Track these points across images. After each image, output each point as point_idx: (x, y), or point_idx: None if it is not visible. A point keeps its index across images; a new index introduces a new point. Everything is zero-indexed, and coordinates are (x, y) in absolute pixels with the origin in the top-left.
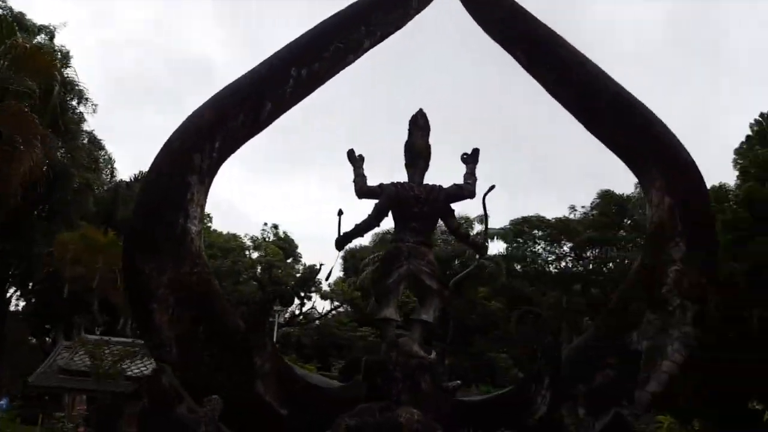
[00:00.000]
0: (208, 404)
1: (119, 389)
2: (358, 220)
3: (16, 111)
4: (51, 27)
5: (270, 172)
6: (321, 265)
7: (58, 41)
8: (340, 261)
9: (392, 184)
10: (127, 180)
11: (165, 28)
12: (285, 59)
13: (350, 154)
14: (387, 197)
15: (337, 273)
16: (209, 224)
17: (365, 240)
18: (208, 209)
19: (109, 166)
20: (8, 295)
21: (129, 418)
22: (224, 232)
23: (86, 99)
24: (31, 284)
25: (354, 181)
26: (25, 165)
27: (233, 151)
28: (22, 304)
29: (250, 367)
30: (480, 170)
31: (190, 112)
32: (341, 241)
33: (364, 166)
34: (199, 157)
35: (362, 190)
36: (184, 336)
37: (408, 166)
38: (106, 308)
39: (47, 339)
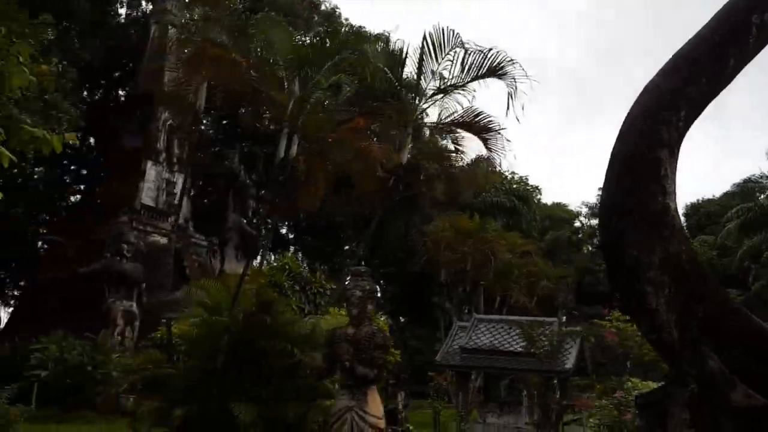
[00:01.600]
0: None
1: (557, 368)
2: None
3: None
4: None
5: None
6: None
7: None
8: None
9: None
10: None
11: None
12: (743, 6)
13: None
14: None
15: None
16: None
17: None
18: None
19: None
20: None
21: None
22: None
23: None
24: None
25: None
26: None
27: (696, 117)
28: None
29: None
30: None
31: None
32: None
33: None
34: (666, 129)
35: None
36: (682, 318)
37: None
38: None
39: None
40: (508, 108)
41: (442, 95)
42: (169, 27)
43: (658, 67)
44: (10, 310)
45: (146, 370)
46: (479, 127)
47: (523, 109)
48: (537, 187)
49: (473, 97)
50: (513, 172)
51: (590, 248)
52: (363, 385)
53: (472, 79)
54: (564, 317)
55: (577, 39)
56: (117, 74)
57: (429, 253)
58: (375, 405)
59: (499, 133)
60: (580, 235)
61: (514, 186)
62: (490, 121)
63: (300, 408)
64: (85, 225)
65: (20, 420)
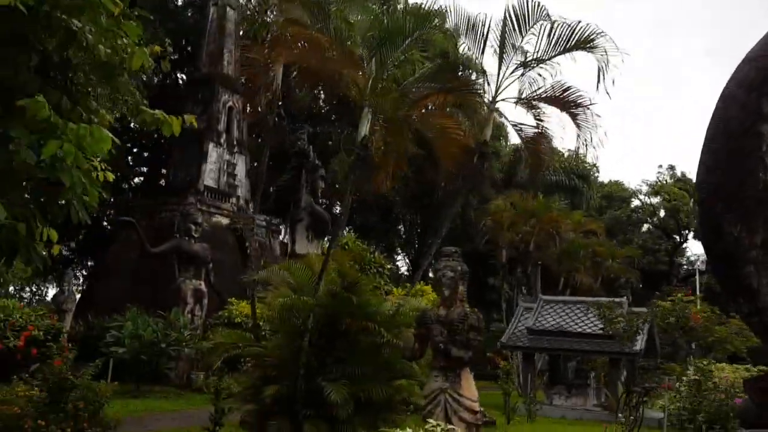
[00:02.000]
0: None
1: (627, 350)
2: None
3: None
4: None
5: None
6: None
7: None
8: None
9: None
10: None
11: None
12: None
13: None
14: None
15: None
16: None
17: None
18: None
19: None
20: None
21: None
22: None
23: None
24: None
25: None
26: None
27: None
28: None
29: None
30: None
31: None
32: None
33: None
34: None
35: None
36: None
37: None
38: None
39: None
40: (598, 82)
41: (525, 69)
42: (227, 8)
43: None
44: (80, 290)
45: (236, 348)
46: (568, 101)
47: (613, 83)
48: (595, 165)
49: (556, 72)
50: (570, 150)
51: (650, 227)
52: (457, 367)
53: (559, 53)
54: (630, 298)
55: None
56: (176, 57)
57: (490, 233)
58: (469, 387)
59: (589, 109)
60: (639, 214)
61: (573, 164)
62: (580, 95)
63: (386, 388)
64: (150, 206)
65: (111, 396)
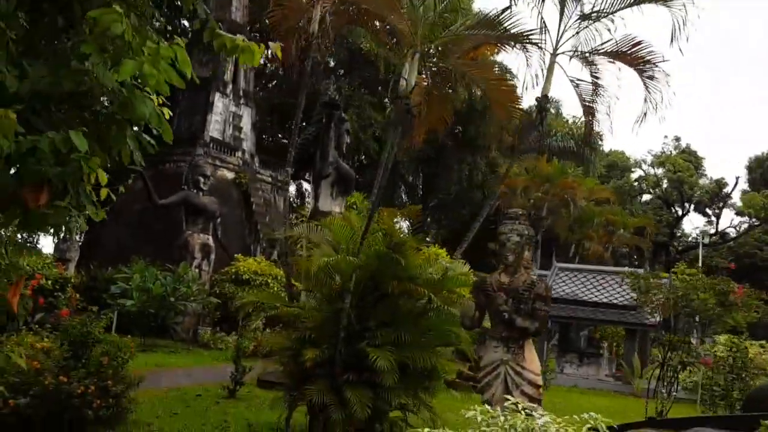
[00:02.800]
0: None
1: (644, 321)
2: None
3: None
4: None
5: None
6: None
7: None
8: None
9: None
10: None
11: None
12: None
13: None
14: None
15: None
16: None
17: None
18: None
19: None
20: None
21: None
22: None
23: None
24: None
25: None
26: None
27: None
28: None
29: None
30: None
31: None
32: None
33: None
34: None
35: None
36: None
37: None
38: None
39: None
40: (672, 38)
41: (587, 22)
42: None
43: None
44: (80, 240)
45: (273, 309)
46: (638, 57)
47: (687, 40)
48: (598, 133)
49: (617, 27)
50: (575, 116)
51: (651, 198)
52: (521, 338)
53: (629, 5)
54: (647, 268)
55: None
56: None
57: (501, 198)
58: (533, 360)
59: (658, 67)
60: (643, 184)
61: (577, 132)
62: (651, 51)
63: (431, 355)
64: (155, 156)
65: (135, 352)
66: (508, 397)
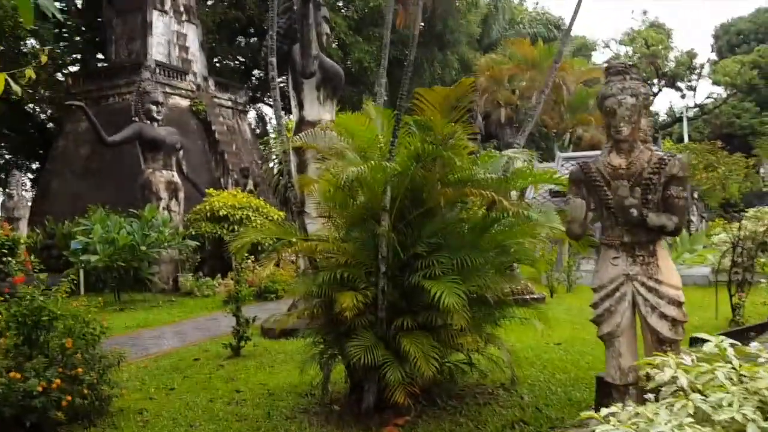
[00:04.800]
0: None
1: None
2: None
3: None
4: None
5: None
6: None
7: None
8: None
9: None
10: None
11: None
12: None
13: None
14: None
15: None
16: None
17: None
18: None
19: None
20: None
21: None
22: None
23: None
24: None
25: None
26: None
27: None
28: None
29: None
30: None
31: None
32: None
33: None
34: None
35: None
36: None
37: None
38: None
39: None
40: None
41: None
42: None
43: None
44: (30, 195)
45: (284, 245)
46: None
47: None
48: (560, 18)
49: None
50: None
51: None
52: (650, 241)
53: None
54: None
55: None
56: None
57: (486, 91)
58: (669, 270)
59: None
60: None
61: (541, 16)
62: None
63: (502, 280)
64: (95, 92)
65: (108, 315)
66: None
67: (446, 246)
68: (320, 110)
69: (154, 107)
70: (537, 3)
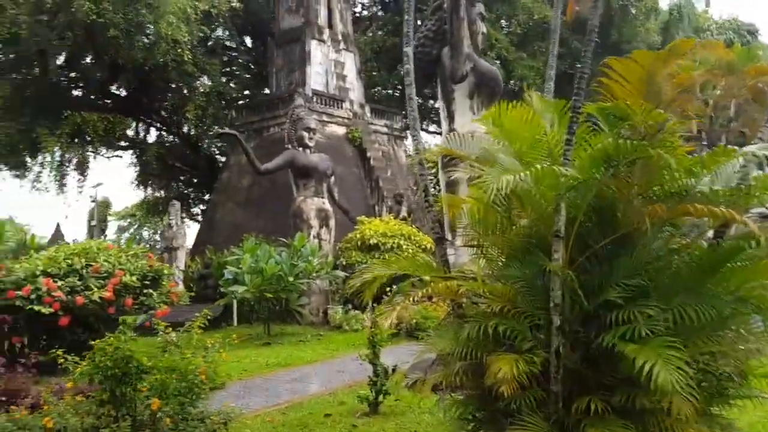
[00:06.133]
0: None
1: None
2: None
3: None
4: None
5: None
6: None
7: None
8: None
9: None
10: None
11: None
12: None
13: None
14: None
15: None
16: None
17: None
18: None
19: None
20: None
21: None
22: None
23: None
24: None
25: None
26: None
27: None
28: None
29: None
30: None
31: None
32: None
33: None
34: None
35: None
36: None
37: None
38: None
39: None
40: None
41: None
42: None
43: None
44: (198, 226)
45: (460, 296)
46: None
47: None
48: (752, 24)
49: None
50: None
51: None
52: None
53: None
54: None
55: None
56: None
57: (668, 102)
58: None
59: None
60: None
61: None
62: None
63: (739, 342)
64: (256, 123)
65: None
66: None
67: (654, 290)
68: (474, 120)
69: (306, 134)
70: (722, 11)
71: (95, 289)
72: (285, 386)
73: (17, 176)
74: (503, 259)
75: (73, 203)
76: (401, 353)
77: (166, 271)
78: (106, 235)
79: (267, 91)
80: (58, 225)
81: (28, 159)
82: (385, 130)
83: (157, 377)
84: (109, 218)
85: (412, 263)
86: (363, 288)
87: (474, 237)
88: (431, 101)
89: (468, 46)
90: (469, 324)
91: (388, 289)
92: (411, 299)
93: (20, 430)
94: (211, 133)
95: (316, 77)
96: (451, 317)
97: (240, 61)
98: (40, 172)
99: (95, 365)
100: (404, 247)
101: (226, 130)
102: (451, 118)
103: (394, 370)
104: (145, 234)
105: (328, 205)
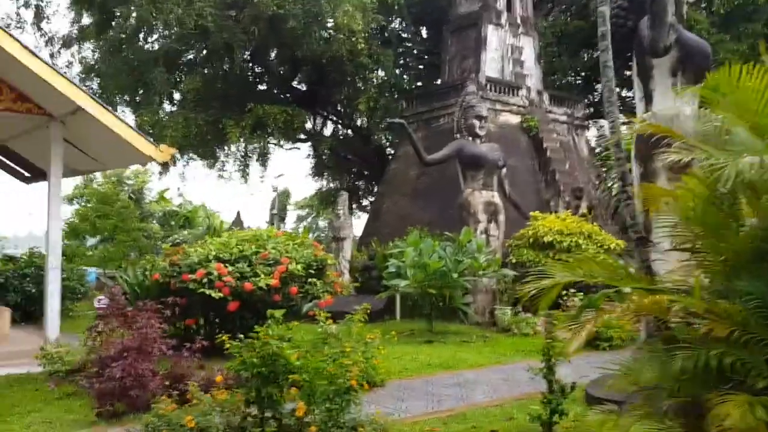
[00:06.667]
0: None
1: None
2: None
3: None
4: None
5: None
6: None
7: None
8: None
9: None
10: None
11: None
12: None
13: None
14: None
15: None
16: None
17: None
18: None
19: None
20: None
21: None
22: None
23: None
24: None
25: None
26: None
27: None
28: None
29: None
30: None
31: None
32: None
33: None
34: None
35: None
36: None
37: None
38: None
39: None
40: None
41: None
42: None
43: None
44: (366, 218)
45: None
46: None
47: None
48: None
49: None
50: None
51: None
52: None
53: None
54: None
55: None
56: None
57: None
58: None
59: None
60: None
61: None
62: None
63: None
64: (425, 113)
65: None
66: None
67: None
68: (678, 101)
69: (477, 122)
70: None
71: (262, 276)
72: (447, 391)
73: (208, 166)
74: (728, 269)
75: (255, 192)
76: (578, 364)
77: (330, 261)
78: (285, 224)
79: (439, 81)
80: (238, 212)
81: (216, 149)
82: (564, 118)
83: (305, 377)
84: (288, 207)
85: (604, 268)
86: (539, 294)
87: (687, 239)
88: (623, 89)
89: (672, 14)
90: (683, 353)
91: (564, 292)
92: (606, 316)
93: (167, 427)
94: (381, 125)
95: (490, 63)
96: (654, 339)
97: (414, 51)
98: (225, 161)
99: (242, 361)
100: (583, 246)
101: (395, 120)
102: (648, 99)
103: (572, 389)
104: (321, 224)
105: (497, 199)
